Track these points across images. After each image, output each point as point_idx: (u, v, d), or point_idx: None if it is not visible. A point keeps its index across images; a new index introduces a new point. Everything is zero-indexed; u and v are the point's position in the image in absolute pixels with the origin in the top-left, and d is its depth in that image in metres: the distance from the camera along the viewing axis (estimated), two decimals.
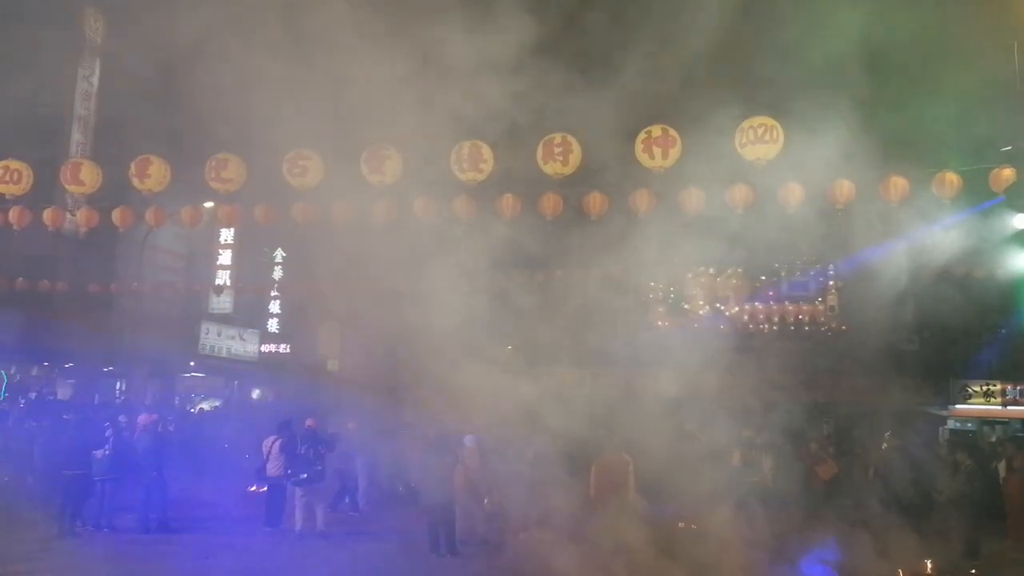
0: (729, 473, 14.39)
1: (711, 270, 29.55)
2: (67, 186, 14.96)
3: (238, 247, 33.40)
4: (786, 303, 30.48)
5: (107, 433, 14.38)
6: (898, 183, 13.02)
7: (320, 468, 14.16)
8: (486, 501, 14.02)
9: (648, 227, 13.15)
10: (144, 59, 20.61)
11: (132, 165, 13.99)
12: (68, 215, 18.75)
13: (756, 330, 30.22)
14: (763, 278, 30.38)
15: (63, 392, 26.60)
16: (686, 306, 30.86)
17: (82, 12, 27.87)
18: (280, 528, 14.32)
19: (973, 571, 13.32)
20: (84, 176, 14.55)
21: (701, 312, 30.55)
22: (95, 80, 28.34)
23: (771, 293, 30.50)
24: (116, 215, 15.52)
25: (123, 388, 30.12)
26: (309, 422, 14.68)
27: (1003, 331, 27.41)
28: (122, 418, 16.12)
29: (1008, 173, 12.85)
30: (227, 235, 32.30)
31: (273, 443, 14.68)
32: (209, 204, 16.95)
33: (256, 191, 14.64)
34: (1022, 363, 26.07)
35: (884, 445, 18.53)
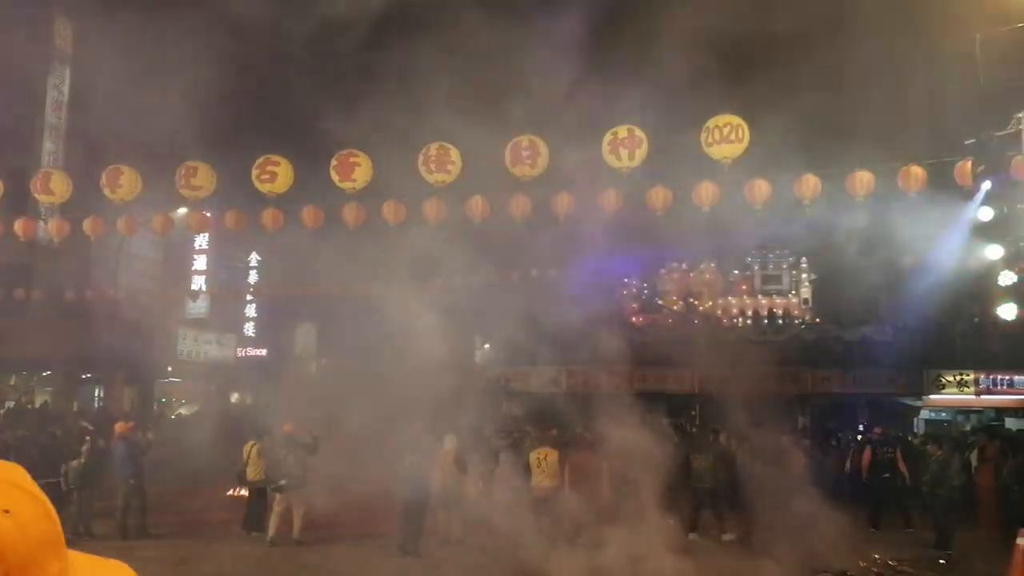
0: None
1: (684, 265, 29.79)
2: (37, 196, 14.94)
3: (213, 252, 33.34)
4: (759, 297, 30.77)
5: (84, 447, 14.33)
6: (864, 177, 13.18)
7: (301, 474, 14.12)
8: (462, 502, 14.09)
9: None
10: (115, 68, 20.59)
11: (103, 175, 13.99)
12: (40, 224, 18.73)
13: (730, 324, 30.49)
14: (736, 272, 30.67)
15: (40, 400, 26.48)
16: (660, 302, 31.14)
17: (52, 21, 27.68)
18: (262, 533, 14.31)
19: (943, 561, 13.47)
20: (54, 186, 14.55)
21: (675, 308, 30.80)
22: (65, 89, 28.18)
23: (744, 287, 30.78)
24: (87, 224, 15.51)
25: (101, 395, 29.99)
26: (288, 427, 14.60)
27: (975, 320, 27.72)
28: (84, 423, 16.08)
29: (971, 165, 13.04)
30: (202, 240, 32.23)
31: (252, 447, 14.67)
32: (183, 210, 16.97)
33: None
34: (995, 352, 26.34)
35: (859, 436, 18.77)
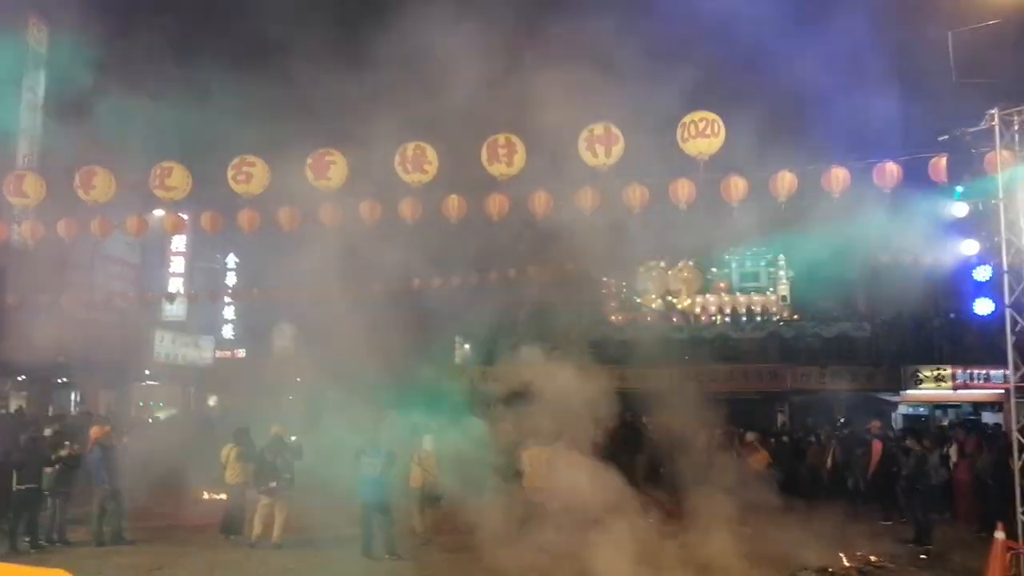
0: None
1: (662, 263, 29.85)
2: (10, 198, 14.76)
3: (190, 254, 33.13)
4: (737, 294, 30.91)
5: (63, 452, 14.16)
6: (839, 174, 13.22)
7: (289, 476, 14.00)
8: (440, 502, 14.07)
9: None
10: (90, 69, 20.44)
11: (77, 176, 13.83)
12: (14, 227, 18.53)
13: (708, 322, 30.62)
14: (714, 270, 30.78)
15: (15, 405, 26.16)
16: (638, 299, 31.22)
17: (26, 22, 27.33)
18: (240, 536, 14.21)
19: (923, 556, 13.54)
20: (27, 188, 14.38)
21: (653, 305, 30.89)
22: (40, 91, 27.87)
23: (723, 285, 30.89)
24: (61, 227, 15.32)
25: (78, 400, 29.72)
26: (275, 429, 14.46)
27: (952, 316, 27.95)
28: (47, 431, 15.93)
29: (945, 162, 13.10)
30: (179, 243, 32.01)
31: (231, 451, 14.54)
32: (159, 212, 16.83)
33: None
34: (971, 347, 26.56)
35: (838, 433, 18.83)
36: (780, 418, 27.30)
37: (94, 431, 14.97)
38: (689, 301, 30.61)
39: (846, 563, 12.36)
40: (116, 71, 19.70)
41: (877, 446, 17.23)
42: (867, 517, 16.41)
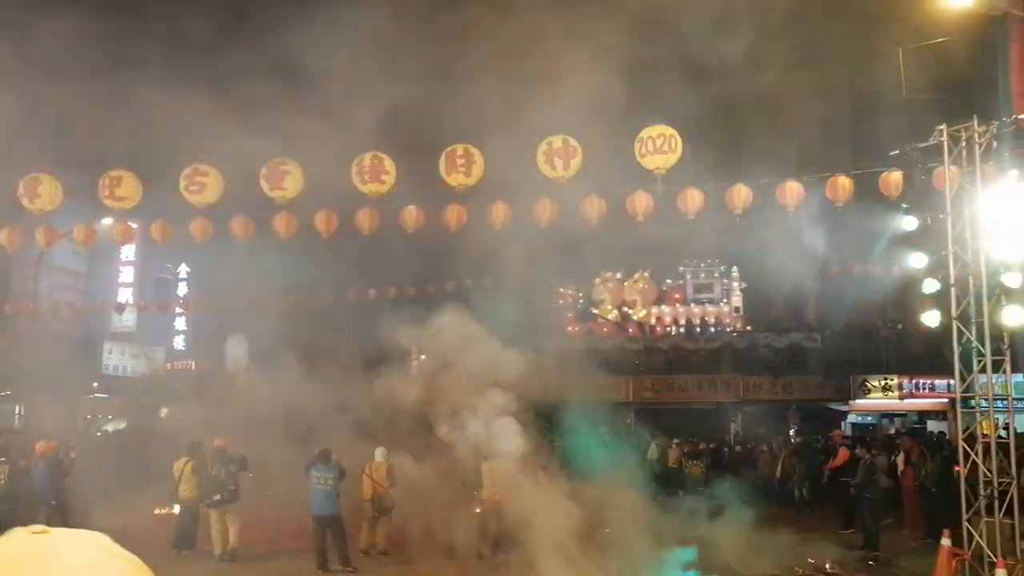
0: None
1: (618, 275, 30.02)
2: None
3: (139, 264, 32.56)
4: (692, 305, 31.21)
5: (1, 468, 13.78)
6: (793, 187, 13.42)
7: (234, 488, 13.82)
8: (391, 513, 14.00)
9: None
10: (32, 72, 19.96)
11: (20, 184, 13.52)
12: None
13: (663, 333, 30.85)
14: (669, 282, 31.05)
15: None
16: (594, 311, 31.35)
17: None
18: (192, 551, 13.96)
19: (871, 563, 13.72)
20: None
21: (610, 317, 31.03)
22: None
23: (677, 296, 31.17)
24: (3, 236, 14.95)
25: (22, 412, 28.99)
26: (219, 442, 14.27)
27: (899, 327, 28.47)
28: None
29: (896, 176, 13.36)
30: (128, 252, 31.42)
31: (186, 464, 14.28)
32: (107, 220, 16.50)
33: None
34: (917, 357, 27.07)
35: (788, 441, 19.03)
36: (733, 427, 27.58)
37: (39, 446, 14.61)
38: (644, 312, 30.80)
39: (797, 570, 12.48)
40: (62, 73, 19.30)
41: (844, 453, 17.44)
42: (817, 525, 16.60)
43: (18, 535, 1.38)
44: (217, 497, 13.61)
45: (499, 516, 12.73)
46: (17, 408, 29.11)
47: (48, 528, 1.41)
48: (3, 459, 14.08)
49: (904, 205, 17.31)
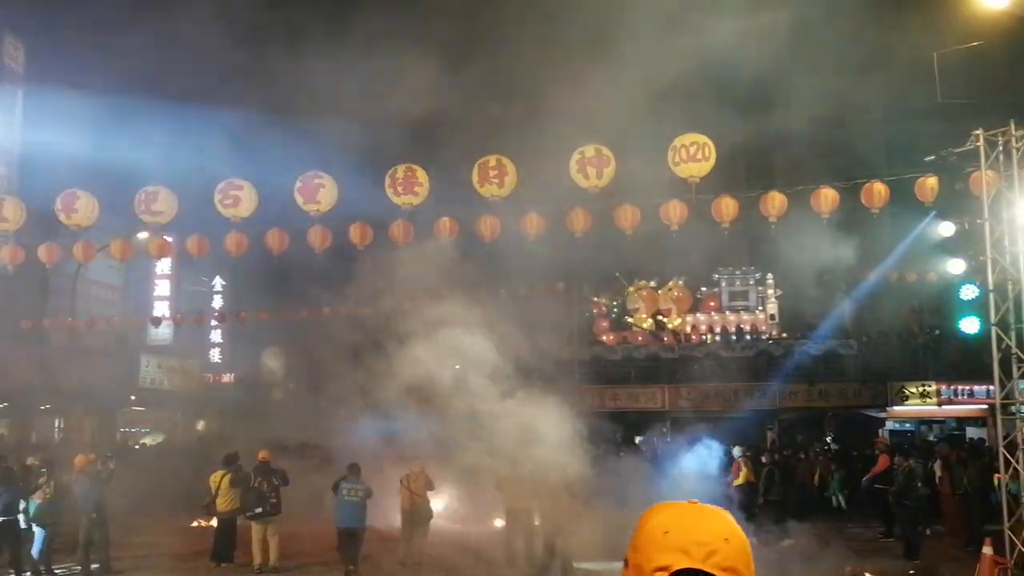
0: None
1: (652, 283, 29.90)
2: None
3: (176, 277, 32.87)
4: (727, 313, 31.01)
5: (41, 480, 13.93)
6: (828, 194, 13.29)
7: (275, 501, 13.89)
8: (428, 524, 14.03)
9: None
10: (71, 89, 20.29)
11: (58, 200, 13.71)
12: None
13: (698, 341, 30.68)
14: (704, 289, 30.88)
15: None
16: (629, 320, 31.25)
17: (2, 39, 26.99)
18: (231, 564, 14.04)
19: (912, 572, 13.53)
20: (7, 213, 14.24)
21: (644, 326, 30.91)
22: (18, 111, 27.53)
23: (712, 304, 30.98)
24: (42, 252, 15.14)
25: (61, 426, 29.35)
26: (263, 455, 14.35)
27: (937, 333, 28.13)
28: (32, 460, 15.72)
29: (932, 182, 13.19)
30: (163, 266, 31.71)
31: (223, 477, 14.37)
32: (143, 235, 16.69)
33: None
34: (956, 364, 26.72)
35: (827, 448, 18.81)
36: (770, 436, 27.35)
37: (78, 460, 14.73)
38: (679, 321, 30.65)
39: None
40: (100, 91, 19.56)
41: (883, 460, 17.19)
42: (856, 533, 16.42)
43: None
44: (259, 510, 13.68)
45: (526, 528, 12.72)
46: (57, 422, 29.48)
47: None
48: (45, 471, 14.24)
49: (935, 211, 17.19)
